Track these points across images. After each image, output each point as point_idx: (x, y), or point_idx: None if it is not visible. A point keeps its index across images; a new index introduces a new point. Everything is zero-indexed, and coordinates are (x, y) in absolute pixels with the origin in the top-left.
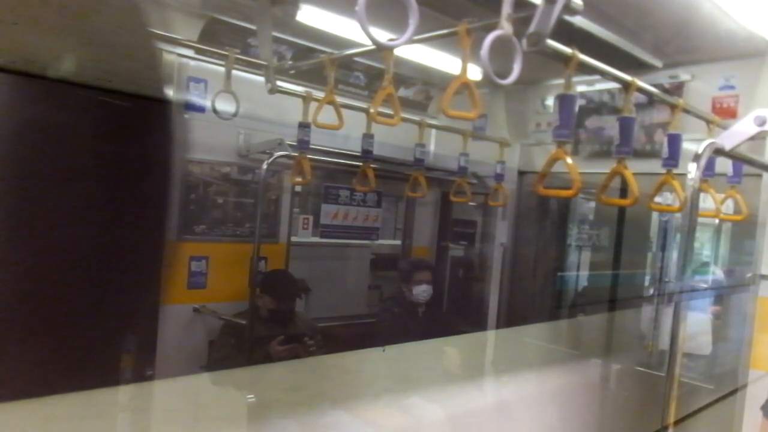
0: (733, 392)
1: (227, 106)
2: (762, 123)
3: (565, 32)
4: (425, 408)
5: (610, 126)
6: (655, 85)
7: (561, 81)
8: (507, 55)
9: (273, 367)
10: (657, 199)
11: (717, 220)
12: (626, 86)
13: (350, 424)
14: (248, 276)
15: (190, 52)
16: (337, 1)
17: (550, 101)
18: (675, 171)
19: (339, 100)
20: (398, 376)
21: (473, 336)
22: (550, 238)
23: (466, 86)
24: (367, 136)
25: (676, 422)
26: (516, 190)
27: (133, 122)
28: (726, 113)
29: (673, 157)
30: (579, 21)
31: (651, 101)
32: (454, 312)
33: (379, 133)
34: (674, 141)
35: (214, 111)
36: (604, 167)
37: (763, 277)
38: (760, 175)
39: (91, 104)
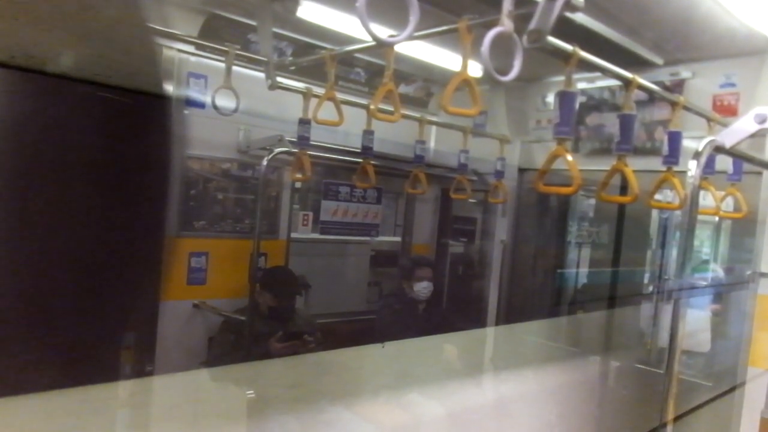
0: (732, 389)
1: (227, 102)
2: (762, 121)
3: (566, 29)
4: (425, 405)
5: (611, 123)
6: (655, 83)
7: (561, 78)
8: (507, 51)
9: (272, 364)
10: (657, 196)
11: (717, 218)
12: (627, 83)
13: (349, 421)
14: (248, 272)
15: (190, 48)
16: None
17: (551, 98)
18: (675, 168)
19: (339, 96)
20: (398, 373)
21: (473, 333)
22: (550, 235)
23: (466, 83)
24: (368, 133)
25: (675, 419)
26: (516, 187)
27: (132, 118)
28: (726, 111)
29: (673, 155)
30: (580, 18)
31: (651, 99)
32: (454, 309)
33: (380, 129)
34: (674, 138)
35: (214, 107)
36: (605, 164)
37: (762, 274)
38: (760, 173)
39: (91, 100)
